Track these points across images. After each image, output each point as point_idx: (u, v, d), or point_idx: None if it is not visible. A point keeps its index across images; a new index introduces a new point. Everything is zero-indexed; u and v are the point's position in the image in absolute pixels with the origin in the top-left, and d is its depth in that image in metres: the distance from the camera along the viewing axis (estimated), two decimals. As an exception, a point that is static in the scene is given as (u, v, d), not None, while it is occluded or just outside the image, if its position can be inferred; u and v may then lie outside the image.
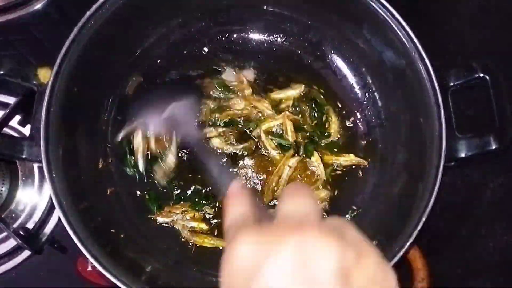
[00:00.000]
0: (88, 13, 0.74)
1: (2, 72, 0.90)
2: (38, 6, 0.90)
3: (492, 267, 0.93)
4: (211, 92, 0.89)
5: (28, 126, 0.81)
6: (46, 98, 0.71)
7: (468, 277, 0.93)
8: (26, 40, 0.91)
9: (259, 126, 0.88)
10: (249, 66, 0.92)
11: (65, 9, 0.97)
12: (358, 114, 0.91)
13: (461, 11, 1.06)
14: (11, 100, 0.91)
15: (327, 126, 0.89)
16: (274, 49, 0.93)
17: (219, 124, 0.88)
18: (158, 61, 0.91)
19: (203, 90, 0.89)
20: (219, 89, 0.89)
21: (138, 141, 0.85)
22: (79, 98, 0.78)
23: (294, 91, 0.90)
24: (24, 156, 0.72)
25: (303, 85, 0.90)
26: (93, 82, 0.82)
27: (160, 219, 0.85)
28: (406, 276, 0.89)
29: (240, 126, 0.88)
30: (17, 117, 0.91)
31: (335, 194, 0.86)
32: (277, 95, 0.90)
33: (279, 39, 0.93)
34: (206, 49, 0.92)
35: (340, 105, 0.91)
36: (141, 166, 0.86)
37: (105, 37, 0.79)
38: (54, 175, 0.70)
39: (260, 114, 0.89)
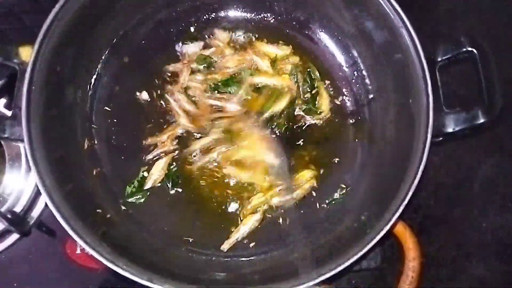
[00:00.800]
0: (70, -11, 0.73)
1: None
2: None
3: (485, 248, 0.93)
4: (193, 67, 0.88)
5: (15, 109, 0.80)
6: (27, 76, 0.70)
7: (461, 258, 0.93)
8: (8, 20, 0.90)
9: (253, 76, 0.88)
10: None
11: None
12: (346, 92, 0.90)
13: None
14: (-5, 83, 0.90)
15: (317, 102, 0.89)
16: (262, 27, 0.92)
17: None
18: (143, 41, 0.89)
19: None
20: (200, 62, 0.88)
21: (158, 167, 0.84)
22: (62, 77, 0.77)
23: (279, 50, 0.90)
24: (6, 135, 0.71)
25: (290, 47, 0.90)
26: (77, 61, 0.80)
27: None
28: (397, 256, 0.89)
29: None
30: (3, 101, 0.91)
31: (321, 172, 0.85)
32: (262, 46, 0.90)
33: (267, 18, 0.92)
34: (192, 28, 0.91)
35: (329, 84, 0.90)
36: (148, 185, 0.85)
37: (88, 15, 0.77)
38: (36, 154, 0.69)
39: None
